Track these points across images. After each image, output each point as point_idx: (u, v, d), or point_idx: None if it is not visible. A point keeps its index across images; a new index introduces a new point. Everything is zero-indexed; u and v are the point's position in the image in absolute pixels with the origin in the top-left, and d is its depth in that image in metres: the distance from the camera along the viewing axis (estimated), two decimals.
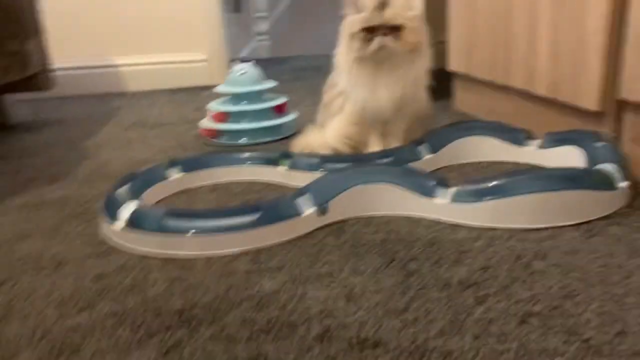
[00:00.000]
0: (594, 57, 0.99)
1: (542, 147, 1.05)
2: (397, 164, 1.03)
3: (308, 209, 0.85)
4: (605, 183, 0.84)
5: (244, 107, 1.37)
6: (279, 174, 1.07)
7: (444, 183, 0.87)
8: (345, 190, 0.88)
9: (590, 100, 1.02)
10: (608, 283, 0.66)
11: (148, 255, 0.80)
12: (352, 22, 1.05)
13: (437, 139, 1.10)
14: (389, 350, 0.57)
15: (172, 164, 1.08)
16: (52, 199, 1.07)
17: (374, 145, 1.13)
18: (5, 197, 1.09)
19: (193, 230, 0.80)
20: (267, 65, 1.60)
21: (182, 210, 0.89)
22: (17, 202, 1.06)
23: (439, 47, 1.32)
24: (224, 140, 1.37)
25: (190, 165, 1.09)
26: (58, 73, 1.79)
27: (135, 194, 0.93)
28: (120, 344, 0.61)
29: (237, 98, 1.39)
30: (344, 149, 1.13)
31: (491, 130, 1.11)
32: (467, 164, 1.10)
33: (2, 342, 0.63)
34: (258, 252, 0.79)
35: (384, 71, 1.07)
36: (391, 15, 1.01)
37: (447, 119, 1.42)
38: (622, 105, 0.99)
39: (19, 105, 1.95)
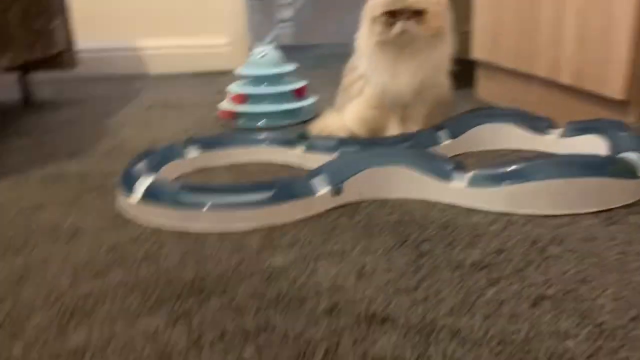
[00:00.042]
0: (620, 44, 0.97)
1: (564, 135, 1.03)
2: (415, 150, 1.02)
3: (322, 189, 0.85)
4: (627, 172, 0.82)
5: (263, 89, 1.37)
6: (296, 156, 1.07)
7: (461, 167, 0.86)
8: (360, 171, 0.87)
9: (615, 88, 0.99)
10: (625, 270, 0.65)
11: (162, 228, 0.81)
12: (374, 5, 1.04)
13: (457, 125, 1.09)
14: (397, 327, 0.56)
15: (190, 142, 1.08)
16: (71, 172, 1.08)
17: (393, 130, 1.12)
18: (26, 169, 1.11)
19: (208, 205, 0.80)
20: (290, 52, 1.59)
21: (197, 185, 0.90)
22: (37, 174, 1.08)
23: (462, 37, 1.30)
24: (242, 123, 1.37)
25: (207, 144, 1.09)
26: (82, 53, 1.81)
27: (152, 170, 0.94)
28: (131, 311, 0.61)
29: (256, 80, 1.38)
30: (362, 132, 1.12)
31: (512, 118, 1.09)
32: (487, 151, 1.09)
33: (17, 304, 0.64)
34: (271, 229, 0.79)
35: (405, 56, 1.06)
36: None
37: (468, 107, 1.40)
38: None
39: (43, 84, 1.98)
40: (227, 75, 1.56)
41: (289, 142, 1.08)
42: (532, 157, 1.02)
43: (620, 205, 0.80)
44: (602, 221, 0.77)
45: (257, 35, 2.54)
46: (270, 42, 1.43)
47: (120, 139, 1.31)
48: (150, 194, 0.84)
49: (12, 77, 1.75)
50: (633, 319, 0.55)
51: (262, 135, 1.11)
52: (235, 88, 1.40)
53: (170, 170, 1.01)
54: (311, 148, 1.05)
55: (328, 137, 1.08)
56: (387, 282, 0.65)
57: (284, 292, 0.64)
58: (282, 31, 3.17)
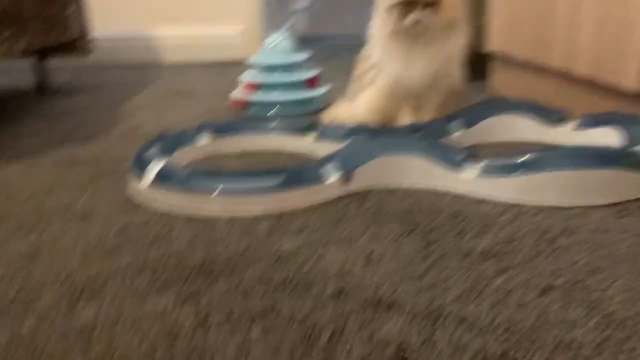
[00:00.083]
0: (639, 35, 0.95)
1: (578, 128, 1.02)
2: (427, 139, 1.01)
3: (332, 176, 0.85)
4: None
5: (275, 78, 1.37)
6: (307, 144, 1.07)
7: (472, 157, 0.85)
8: (371, 159, 0.87)
9: (632, 80, 0.98)
10: (636, 262, 0.64)
11: (173, 212, 0.81)
12: None
13: (469, 116, 1.08)
14: (403, 312, 0.56)
15: (202, 128, 1.08)
16: (85, 156, 1.09)
17: (405, 119, 1.11)
18: (40, 153, 1.12)
19: (218, 190, 0.81)
20: (305, 42, 1.59)
21: (208, 170, 0.90)
22: (51, 157, 1.09)
23: (477, 30, 1.29)
24: (254, 112, 1.37)
25: (219, 131, 1.09)
26: (97, 41, 1.82)
27: (164, 155, 0.94)
28: (140, 291, 0.62)
29: (269, 69, 1.38)
30: (373, 121, 1.12)
31: (526, 110, 1.08)
32: (499, 142, 1.08)
33: (28, 283, 0.64)
34: (280, 215, 0.79)
35: (419, 46, 1.05)
36: None
37: (481, 99, 1.39)
38: None
39: (59, 71, 2.00)
40: (241, 65, 1.56)
41: (300, 131, 1.08)
42: (545, 148, 1.01)
43: (634, 198, 0.79)
44: (614, 213, 0.76)
45: (272, 24, 2.53)
46: (285, 32, 1.42)
47: (134, 125, 1.31)
48: (161, 178, 0.84)
49: (29, 64, 1.76)
50: None
51: (273, 124, 1.11)
52: (247, 77, 1.40)
53: (182, 156, 1.01)
54: (322, 136, 1.05)
55: (339, 126, 1.08)
56: (395, 268, 0.64)
57: (291, 276, 0.64)
58: (297, 21, 3.17)
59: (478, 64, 1.38)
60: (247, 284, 0.62)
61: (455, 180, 0.84)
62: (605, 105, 1.09)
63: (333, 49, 2.43)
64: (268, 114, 1.36)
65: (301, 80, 1.38)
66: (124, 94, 1.68)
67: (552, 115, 1.06)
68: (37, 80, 1.74)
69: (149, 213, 0.82)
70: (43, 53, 1.68)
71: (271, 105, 1.36)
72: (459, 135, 1.05)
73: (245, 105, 1.38)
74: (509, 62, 1.46)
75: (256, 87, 1.37)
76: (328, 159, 0.87)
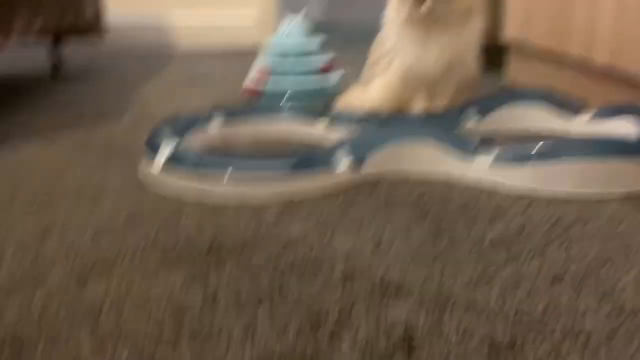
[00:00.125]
0: None
1: (594, 118, 1.01)
2: (440, 127, 1.00)
3: (343, 163, 0.84)
4: None
5: (289, 64, 1.36)
6: (319, 130, 1.06)
7: (485, 145, 0.84)
8: (383, 146, 0.86)
9: None
10: None
11: (183, 195, 0.81)
12: None
13: (483, 105, 1.07)
14: (411, 296, 0.56)
15: (214, 113, 1.08)
16: (97, 139, 1.09)
17: (418, 106, 1.10)
18: (54, 134, 1.13)
19: (228, 174, 0.81)
20: (320, 28, 1.58)
21: (219, 154, 0.90)
22: (65, 139, 1.09)
23: (493, 18, 1.28)
24: (267, 98, 1.37)
25: (231, 116, 1.09)
26: (112, 28, 1.82)
27: (175, 138, 0.94)
28: (149, 268, 0.62)
29: (282, 55, 1.38)
30: (387, 108, 1.11)
31: (541, 99, 1.07)
32: (514, 132, 1.06)
33: (39, 257, 0.65)
34: (290, 199, 0.79)
35: (435, 33, 1.04)
36: None
37: (496, 88, 1.38)
38: None
39: (74, 57, 2.00)
40: (255, 52, 1.56)
41: (313, 117, 1.08)
42: (559, 136, 1.00)
43: None
44: (629, 205, 0.75)
45: (288, 10, 2.53)
46: (299, 18, 1.41)
47: (145, 110, 1.32)
48: (173, 161, 0.85)
49: (44, 50, 1.77)
50: None
51: (286, 109, 1.11)
52: (260, 62, 1.40)
53: (193, 140, 1.01)
54: (334, 123, 1.05)
55: (351, 113, 1.07)
56: (404, 254, 0.64)
57: (299, 259, 0.64)
58: (312, 7, 3.15)
59: (494, 53, 1.37)
60: (255, 266, 0.62)
61: (468, 169, 0.84)
62: (623, 96, 1.07)
63: (348, 36, 2.41)
64: (281, 101, 1.35)
65: (315, 67, 1.37)
66: (138, 79, 1.69)
67: (568, 106, 1.05)
68: (52, 65, 1.75)
69: (160, 195, 0.82)
70: (58, 36, 1.69)
71: (284, 91, 1.35)
72: (472, 124, 1.04)
73: (258, 91, 1.38)
74: (526, 51, 1.44)
75: (270, 73, 1.37)
76: (339, 145, 0.87)
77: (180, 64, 1.97)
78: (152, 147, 0.89)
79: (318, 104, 1.26)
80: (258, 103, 1.36)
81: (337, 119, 1.05)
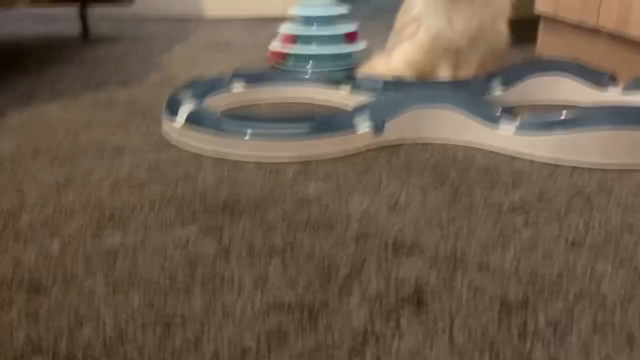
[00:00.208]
0: None
1: (626, 91, 0.97)
2: (464, 94, 0.98)
3: (364, 126, 0.83)
4: None
5: (313, 31, 1.35)
6: (341, 96, 1.05)
7: (509, 113, 0.83)
8: (404, 111, 0.85)
9: None
10: None
11: (203, 153, 0.82)
12: None
13: (510, 75, 1.04)
14: (424, 255, 0.55)
15: (237, 76, 1.08)
16: (120, 99, 1.10)
17: (443, 74, 1.08)
18: (78, 94, 1.14)
19: (248, 134, 0.81)
20: (348, 1, 1.55)
21: (239, 114, 0.90)
22: (88, 99, 1.11)
23: None
24: (291, 64, 1.36)
25: (254, 79, 1.09)
26: None
27: (197, 98, 0.94)
28: (165, 222, 0.63)
29: (307, 22, 1.36)
30: (410, 75, 1.09)
31: (570, 71, 1.04)
32: (540, 103, 1.04)
33: (58, 208, 0.66)
34: (308, 160, 0.79)
35: (462, 2, 1.01)
36: None
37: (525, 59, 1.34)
38: None
39: (103, 21, 2.02)
40: (283, 20, 1.55)
41: (336, 82, 1.07)
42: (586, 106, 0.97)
43: None
44: None
45: None
46: None
47: (170, 73, 1.32)
48: (193, 120, 0.85)
49: (73, 13, 1.79)
50: None
51: (309, 75, 1.10)
52: (285, 29, 1.38)
53: (215, 101, 1.01)
54: (357, 89, 1.03)
55: (374, 79, 1.06)
56: (420, 215, 0.63)
57: (314, 217, 0.64)
58: None
59: (526, 27, 1.33)
60: (269, 222, 0.63)
61: (491, 136, 0.82)
62: None
63: (375, 7, 2.37)
64: (305, 66, 1.34)
65: (339, 34, 1.35)
66: (163, 44, 1.69)
67: (599, 77, 1.01)
68: (82, 28, 1.76)
69: (179, 152, 0.83)
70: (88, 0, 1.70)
71: (308, 57, 1.34)
72: (498, 94, 1.02)
73: (283, 57, 1.37)
74: (557, 24, 1.40)
75: (294, 39, 1.35)
76: (361, 108, 0.86)
77: (207, 30, 1.97)
78: (174, 106, 0.89)
79: (342, 70, 1.25)
80: (282, 67, 1.35)
81: (360, 85, 1.03)
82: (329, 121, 0.84)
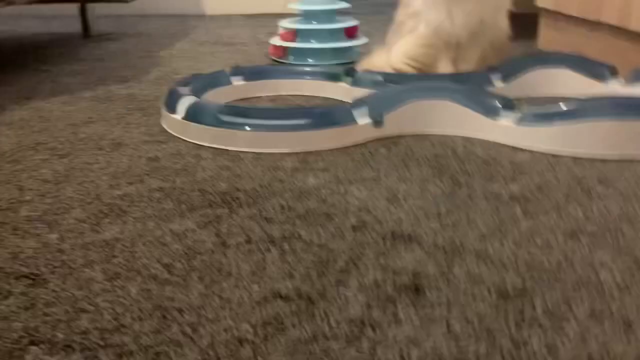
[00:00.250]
0: None
1: (627, 83, 0.97)
2: (463, 87, 0.98)
3: (363, 119, 0.83)
4: None
5: (313, 26, 1.35)
6: (341, 90, 1.05)
7: (509, 104, 0.82)
8: (403, 103, 0.85)
9: None
10: None
11: (202, 146, 0.82)
12: None
13: (511, 68, 1.04)
14: (422, 246, 0.55)
15: (236, 71, 1.08)
16: (120, 94, 1.10)
17: (443, 69, 1.08)
18: (78, 90, 1.14)
19: (247, 127, 0.81)
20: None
21: (238, 107, 0.90)
22: (88, 95, 1.11)
23: None
24: (290, 60, 1.36)
25: (253, 74, 1.09)
26: None
27: (196, 93, 0.94)
28: (164, 213, 0.63)
29: (307, 17, 1.36)
30: (410, 70, 1.09)
31: (571, 63, 1.03)
32: (541, 96, 1.03)
33: (57, 200, 0.66)
34: (308, 153, 0.79)
35: None
36: None
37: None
38: None
39: (103, 19, 2.02)
40: (283, 16, 1.55)
41: (334, 77, 1.07)
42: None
43: None
44: None
45: None
46: None
47: (171, 69, 1.32)
48: (192, 113, 0.85)
49: (74, 11, 1.79)
50: None
51: (308, 69, 1.10)
52: (285, 24, 1.38)
53: (215, 96, 1.01)
54: (356, 83, 1.03)
55: (374, 73, 1.05)
56: (419, 207, 0.63)
57: (313, 208, 0.63)
58: None
59: (526, 20, 1.32)
60: (268, 213, 0.62)
61: (491, 128, 0.82)
62: None
63: (377, 4, 2.37)
64: (305, 61, 1.34)
65: (339, 29, 1.35)
66: (164, 41, 1.69)
67: (599, 70, 1.01)
68: (83, 24, 1.77)
69: (179, 145, 0.83)
70: None
71: (308, 52, 1.34)
72: (499, 88, 1.01)
73: (283, 52, 1.37)
74: (559, 18, 1.39)
75: (294, 34, 1.35)
76: (360, 101, 0.86)
77: (207, 26, 1.97)
78: (173, 100, 0.89)
79: (341, 65, 1.25)
80: (281, 62, 1.35)
81: (360, 79, 1.03)
82: (328, 114, 0.84)
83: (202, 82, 0.99)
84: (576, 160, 0.75)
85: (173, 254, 0.55)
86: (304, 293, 0.48)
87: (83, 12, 1.76)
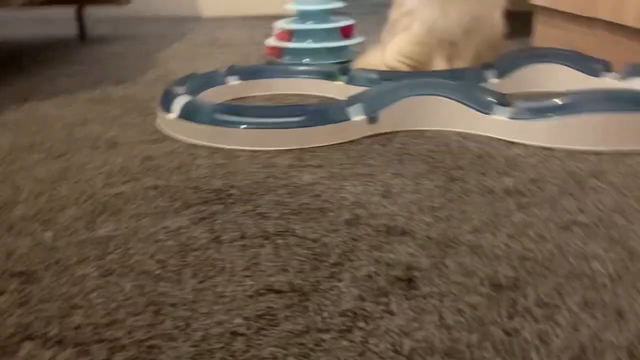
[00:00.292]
0: None
1: (621, 78, 0.97)
2: (458, 83, 0.98)
3: (357, 116, 0.83)
4: None
5: (308, 25, 1.35)
6: (336, 89, 1.05)
7: (502, 99, 0.82)
8: (397, 100, 0.85)
9: None
10: None
11: (197, 145, 0.82)
12: None
13: (505, 64, 1.04)
14: (415, 239, 0.55)
15: (232, 71, 1.08)
16: (116, 95, 1.11)
17: (438, 67, 1.08)
18: (74, 92, 1.14)
19: (242, 125, 0.81)
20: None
21: (233, 105, 0.90)
22: (84, 96, 1.11)
23: None
24: (287, 60, 1.36)
25: (248, 73, 1.09)
26: None
27: (192, 92, 0.94)
28: (158, 211, 0.63)
29: (302, 16, 1.36)
30: (403, 68, 1.09)
31: (565, 59, 1.03)
32: (536, 92, 1.03)
33: (52, 199, 0.66)
34: (302, 151, 0.79)
35: None
36: None
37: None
38: None
39: (99, 22, 2.02)
40: (279, 19, 1.55)
41: (330, 75, 1.07)
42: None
43: None
44: None
45: None
46: None
47: (167, 70, 1.32)
48: (187, 112, 0.85)
49: (71, 13, 1.79)
50: None
51: (303, 68, 1.10)
52: (281, 24, 1.38)
53: (210, 96, 1.01)
54: (351, 81, 1.03)
55: (369, 71, 1.06)
56: (413, 201, 0.63)
57: (307, 204, 0.64)
58: None
59: (521, 18, 1.33)
60: (262, 209, 0.63)
61: (485, 123, 0.82)
62: None
63: (372, 5, 2.37)
64: (301, 60, 1.34)
65: (335, 28, 1.35)
66: (161, 43, 1.69)
67: (594, 65, 1.01)
68: (79, 28, 1.77)
69: (174, 144, 0.83)
70: (83, 0, 1.70)
71: (304, 52, 1.34)
72: (494, 84, 1.01)
73: (279, 52, 1.37)
74: (554, 15, 1.40)
75: (289, 34, 1.35)
76: (355, 98, 0.86)
77: (204, 28, 1.97)
78: (168, 99, 0.89)
79: (336, 64, 1.25)
80: (277, 62, 1.35)
81: (355, 77, 1.03)
82: (323, 111, 0.84)
83: (198, 82, 0.99)
84: (570, 153, 0.75)
85: (167, 251, 0.55)
86: (297, 287, 0.49)
87: (80, 15, 1.77)
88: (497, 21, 1.09)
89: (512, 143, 0.79)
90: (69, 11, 1.79)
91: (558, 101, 0.77)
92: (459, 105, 0.83)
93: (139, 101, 1.06)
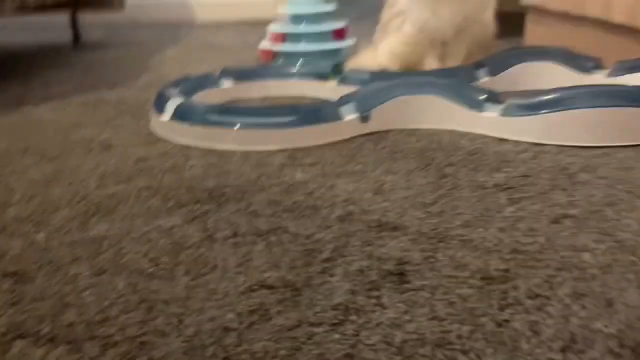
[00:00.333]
0: None
1: (611, 75, 0.98)
2: (449, 82, 0.98)
3: (350, 115, 0.84)
4: None
5: (302, 29, 1.35)
6: (329, 89, 1.05)
7: (494, 97, 0.83)
8: (389, 99, 0.85)
9: None
10: None
11: (190, 146, 0.82)
12: None
13: (497, 63, 1.05)
14: (407, 234, 0.55)
15: (225, 73, 1.09)
16: (110, 99, 1.11)
17: (430, 67, 1.08)
18: (68, 96, 1.15)
19: (235, 126, 0.81)
20: (340, 3, 1.57)
21: (226, 106, 0.91)
22: (78, 100, 1.11)
23: None
24: (281, 62, 1.36)
25: (242, 76, 1.09)
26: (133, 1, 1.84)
27: (185, 95, 0.95)
28: (151, 211, 0.63)
29: (296, 20, 1.37)
30: (396, 68, 1.10)
31: (556, 57, 1.04)
32: (528, 90, 1.04)
33: (45, 201, 0.67)
34: (296, 150, 0.79)
35: None
36: None
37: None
38: None
39: (93, 27, 2.03)
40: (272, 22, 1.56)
41: (323, 76, 1.07)
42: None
43: None
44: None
45: None
46: None
47: (161, 74, 1.33)
48: (180, 114, 0.85)
49: (65, 20, 1.80)
50: None
51: (296, 69, 1.11)
52: (275, 27, 1.39)
53: (204, 98, 1.02)
54: (344, 82, 1.04)
55: (362, 72, 1.06)
56: (405, 197, 0.64)
57: (300, 202, 0.64)
58: None
59: (513, 19, 1.33)
60: (255, 208, 0.63)
61: (476, 120, 0.82)
62: None
63: (365, 9, 2.39)
64: (294, 63, 1.34)
65: (328, 31, 1.36)
66: (155, 48, 1.70)
67: (584, 63, 1.02)
68: (73, 34, 1.77)
69: (167, 146, 0.83)
70: (77, 5, 1.71)
71: (298, 55, 1.35)
72: (485, 83, 1.02)
73: (273, 55, 1.38)
74: (545, 15, 1.41)
75: (283, 37, 1.36)
76: (347, 98, 0.86)
77: (198, 33, 1.98)
78: (162, 101, 0.89)
79: (329, 65, 1.25)
80: (270, 65, 1.35)
81: (347, 78, 1.04)
82: (316, 111, 0.84)
83: (192, 84, 1.00)
84: (561, 149, 0.75)
85: (160, 249, 0.55)
86: (289, 282, 0.49)
87: (74, 21, 1.77)
88: (488, 21, 1.09)
89: (504, 139, 0.79)
90: (63, 18, 1.80)
91: (547, 97, 0.78)
92: (451, 104, 0.84)
93: (133, 105, 1.07)
